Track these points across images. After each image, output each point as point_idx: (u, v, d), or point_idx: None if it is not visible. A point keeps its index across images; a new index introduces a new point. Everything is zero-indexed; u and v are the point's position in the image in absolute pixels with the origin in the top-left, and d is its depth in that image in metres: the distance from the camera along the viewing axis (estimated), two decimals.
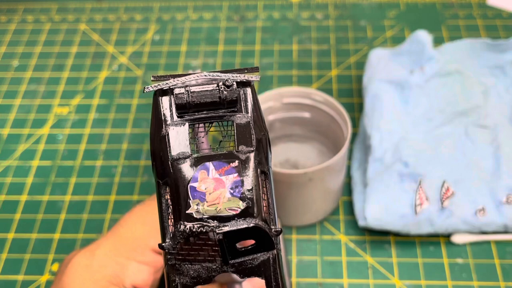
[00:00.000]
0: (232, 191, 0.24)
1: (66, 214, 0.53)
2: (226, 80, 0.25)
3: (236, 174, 0.24)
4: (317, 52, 0.65)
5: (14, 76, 0.66)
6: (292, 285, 0.46)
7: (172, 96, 0.24)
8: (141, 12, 0.72)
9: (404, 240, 0.49)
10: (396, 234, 0.49)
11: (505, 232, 0.48)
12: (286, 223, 0.50)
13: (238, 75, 0.25)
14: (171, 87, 0.24)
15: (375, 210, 0.47)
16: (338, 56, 0.64)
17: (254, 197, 0.24)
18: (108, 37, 0.69)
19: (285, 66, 0.64)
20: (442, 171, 0.48)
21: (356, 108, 0.59)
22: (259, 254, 0.25)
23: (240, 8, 0.71)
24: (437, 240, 0.48)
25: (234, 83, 0.25)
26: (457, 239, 0.47)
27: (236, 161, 0.24)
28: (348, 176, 0.53)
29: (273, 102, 0.50)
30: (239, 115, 0.25)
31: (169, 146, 0.24)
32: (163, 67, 0.65)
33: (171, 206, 0.24)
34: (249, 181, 0.24)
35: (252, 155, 0.24)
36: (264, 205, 0.25)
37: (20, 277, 0.49)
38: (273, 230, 0.25)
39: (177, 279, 0.24)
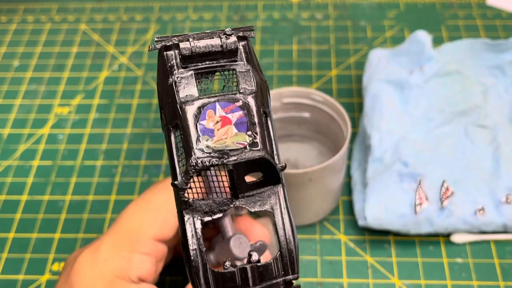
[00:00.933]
0: (238, 126, 0.25)
1: (67, 213, 0.53)
2: (226, 30, 0.27)
3: (241, 112, 0.26)
4: (317, 52, 0.65)
5: (15, 76, 0.66)
6: None
7: (176, 50, 0.26)
8: (141, 12, 0.72)
9: (404, 240, 0.49)
10: (396, 234, 0.49)
11: (505, 231, 0.48)
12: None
13: (236, 29, 0.27)
14: (175, 42, 0.26)
15: (375, 210, 0.47)
16: (338, 56, 0.64)
17: (259, 132, 0.26)
18: (108, 37, 0.69)
19: (285, 66, 0.64)
20: (441, 171, 0.48)
21: (356, 108, 0.59)
22: (266, 188, 0.26)
23: (240, 8, 0.72)
24: (436, 239, 0.48)
25: (233, 35, 0.27)
26: (456, 238, 0.48)
27: (240, 101, 0.26)
28: (348, 176, 0.53)
29: (273, 102, 0.50)
30: (239, 64, 0.27)
31: (177, 92, 0.26)
32: None
33: (181, 147, 0.26)
34: (253, 118, 0.26)
35: (254, 96, 0.26)
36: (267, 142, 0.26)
37: (20, 277, 0.49)
38: (278, 165, 0.26)
39: (190, 214, 0.25)
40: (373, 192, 0.48)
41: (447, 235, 0.48)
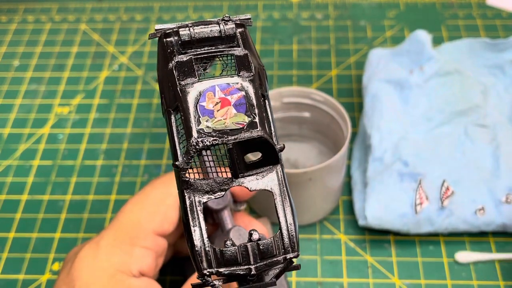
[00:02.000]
0: (237, 107, 0.26)
1: (67, 213, 0.53)
2: (224, 17, 0.27)
3: (240, 93, 0.26)
4: (317, 52, 0.65)
5: (15, 76, 0.66)
6: (292, 285, 0.47)
7: (175, 37, 0.27)
8: (141, 12, 0.72)
9: (404, 239, 0.49)
10: (396, 234, 0.49)
11: (504, 231, 0.48)
12: None
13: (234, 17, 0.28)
14: (174, 29, 0.27)
15: (375, 210, 0.47)
16: (338, 56, 0.64)
17: (257, 113, 0.26)
18: (109, 37, 0.69)
19: (285, 66, 0.64)
20: (441, 171, 0.48)
21: (356, 108, 0.59)
22: (265, 168, 0.27)
23: (240, 8, 0.72)
24: (436, 239, 0.48)
25: (231, 20, 0.27)
26: (461, 258, 0.47)
27: (239, 83, 0.26)
28: (348, 176, 0.53)
29: (273, 101, 0.50)
30: (237, 49, 0.27)
31: (177, 76, 0.26)
32: None
33: (182, 129, 0.26)
34: (251, 100, 0.26)
35: (252, 79, 0.27)
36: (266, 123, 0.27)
37: (20, 276, 0.49)
38: (277, 145, 0.27)
39: (191, 194, 0.26)
40: (373, 192, 0.48)
41: (447, 235, 0.48)
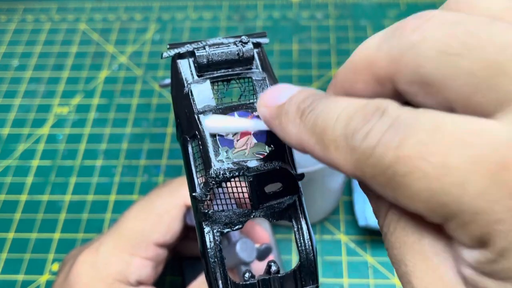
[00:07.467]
0: (257, 137, 0.25)
1: (66, 213, 0.53)
2: (242, 38, 0.26)
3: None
4: (317, 52, 0.65)
5: (14, 75, 0.66)
6: None
7: (190, 58, 0.26)
8: (141, 11, 0.72)
9: None
10: None
11: None
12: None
13: (250, 36, 0.27)
14: (189, 50, 0.26)
15: None
16: (338, 56, 0.64)
17: (277, 142, 0.25)
18: (108, 37, 0.69)
19: (285, 65, 0.64)
20: None
21: None
22: (285, 198, 0.26)
23: (240, 8, 0.71)
24: None
25: (250, 41, 0.26)
26: None
27: None
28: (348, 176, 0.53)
29: None
30: (255, 72, 0.26)
31: (194, 101, 0.25)
32: (163, 67, 0.65)
33: (199, 158, 0.25)
34: None
35: None
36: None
37: (20, 277, 0.49)
38: (297, 175, 0.26)
39: (209, 226, 0.25)
40: None
41: None
